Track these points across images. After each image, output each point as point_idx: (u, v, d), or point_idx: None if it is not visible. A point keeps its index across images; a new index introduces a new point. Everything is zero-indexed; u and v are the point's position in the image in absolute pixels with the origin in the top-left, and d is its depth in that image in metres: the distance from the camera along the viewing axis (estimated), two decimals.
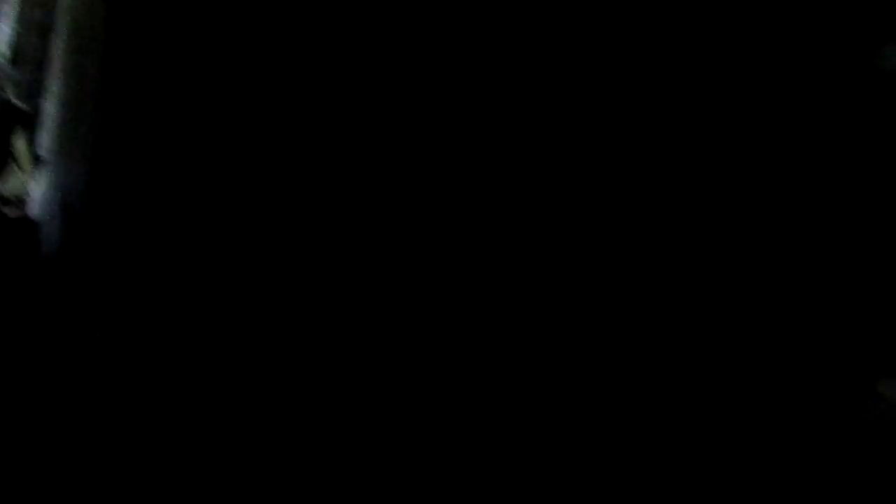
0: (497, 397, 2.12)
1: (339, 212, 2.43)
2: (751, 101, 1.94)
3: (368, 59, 2.31)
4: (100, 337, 2.71)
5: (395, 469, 2.13)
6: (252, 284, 2.60)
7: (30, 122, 3.27)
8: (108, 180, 2.74)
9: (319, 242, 2.47)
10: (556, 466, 2.07)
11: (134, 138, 2.68)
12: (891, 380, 1.83)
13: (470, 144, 2.22)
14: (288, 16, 2.43)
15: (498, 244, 2.19)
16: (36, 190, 3.13)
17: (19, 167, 3.25)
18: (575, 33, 2.05)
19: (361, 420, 2.23)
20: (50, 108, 3.02)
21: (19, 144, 3.30)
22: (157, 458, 2.38)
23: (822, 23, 1.86)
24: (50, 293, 2.84)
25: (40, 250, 2.92)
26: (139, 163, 2.68)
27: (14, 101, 2.80)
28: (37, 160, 3.14)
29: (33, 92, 3.49)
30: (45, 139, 3.06)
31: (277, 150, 2.49)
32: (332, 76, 2.38)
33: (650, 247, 2.02)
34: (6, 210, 3.17)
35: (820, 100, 1.89)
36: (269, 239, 2.57)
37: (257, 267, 2.60)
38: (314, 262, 2.48)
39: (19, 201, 3.23)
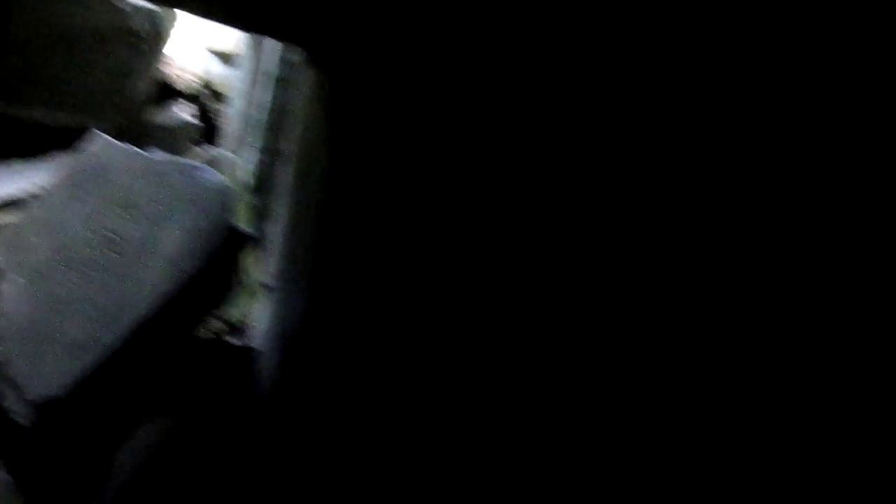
0: None
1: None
2: None
3: None
4: (311, 476, 2.51)
5: None
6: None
7: (258, 248, 3.26)
8: (328, 313, 2.55)
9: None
10: None
11: (356, 270, 2.48)
12: None
13: None
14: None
15: None
16: (259, 317, 3.05)
17: (246, 293, 3.22)
18: None
19: None
20: (275, 233, 2.97)
21: (246, 270, 3.28)
22: None
23: None
24: (264, 427, 2.67)
25: (258, 381, 2.79)
26: (361, 298, 2.46)
27: (242, 227, 2.74)
28: (263, 286, 3.09)
29: (263, 217, 3.50)
30: (270, 265, 3.00)
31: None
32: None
33: None
34: (230, 338, 3.11)
35: None
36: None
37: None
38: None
39: (244, 328, 3.17)
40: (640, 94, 1.97)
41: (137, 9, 3.67)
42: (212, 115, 4.46)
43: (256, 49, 3.91)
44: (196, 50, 4.72)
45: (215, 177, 2.79)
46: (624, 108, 2.00)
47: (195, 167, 2.80)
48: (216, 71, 4.66)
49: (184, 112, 4.32)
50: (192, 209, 2.68)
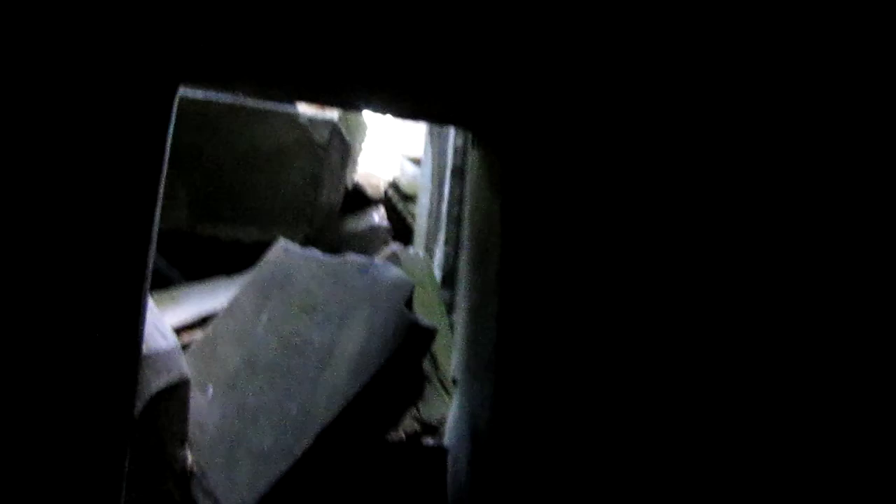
0: None
1: None
2: None
3: None
4: None
5: None
6: None
7: (452, 342, 3.16)
8: (514, 405, 2.36)
9: None
10: None
11: (540, 358, 2.29)
12: None
13: None
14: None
15: None
16: (449, 414, 2.92)
17: (440, 389, 3.11)
18: None
19: None
20: (458, 325, 2.85)
21: (440, 366, 3.18)
22: None
23: None
24: None
25: (450, 483, 2.63)
26: (547, 388, 2.26)
27: (423, 322, 2.64)
28: (453, 381, 2.96)
29: (454, 310, 3.41)
30: (455, 358, 2.87)
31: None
32: None
33: None
34: (425, 438, 2.99)
35: None
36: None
37: None
38: None
39: (439, 427, 3.04)
40: None
41: (319, 122, 3.84)
42: (403, 215, 4.53)
43: (436, 144, 3.95)
44: (384, 154, 4.87)
45: (392, 273, 2.75)
46: None
47: (372, 265, 2.78)
48: (404, 172, 4.76)
49: (375, 215, 4.42)
50: (371, 307, 2.64)
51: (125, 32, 1.83)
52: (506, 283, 2.41)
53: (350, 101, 2.58)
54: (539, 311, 2.27)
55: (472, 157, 2.79)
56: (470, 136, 2.71)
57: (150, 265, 2.04)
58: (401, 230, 4.46)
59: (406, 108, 2.59)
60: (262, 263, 2.92)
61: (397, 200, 4.57)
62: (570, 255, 2.20)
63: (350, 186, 4.33)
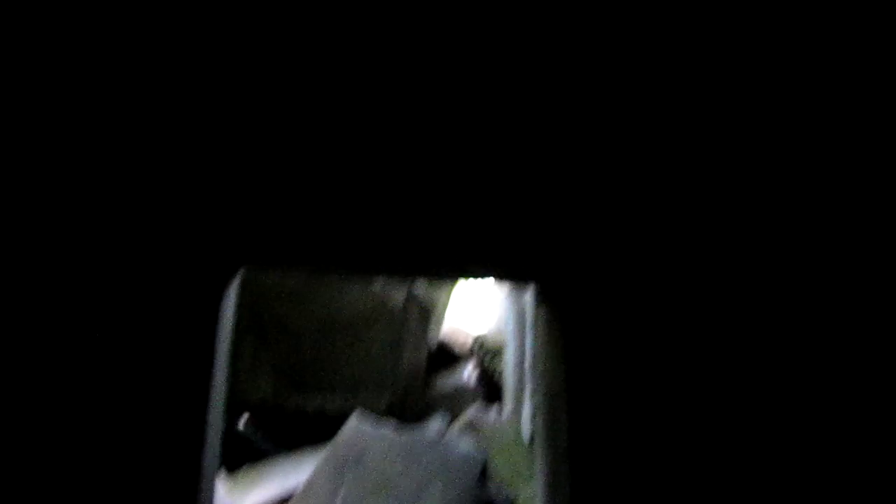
0: None
1: None
2: None
3: None
4: None
5: None
6: None
7: None
8: None
9: None
10: None
11: None
12: None
13: None
14: None
15: None
16: None
17: None
18: None
19: None
20: (537, 493, 2.71)
21: None
22: None
23: None
24: None
25: None
26: None
27: (499, 496, 2.54)
28: None
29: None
30: None
31: None
32: None
33: None
34: None
35: None
36: None
37: None
38: None
39: None
40: None
41: (394, 289, 3.88)
42: (491, 371, 4.45)
43: (515, 297, 3.91)
44: (468, 312, 4.86)
45: (464, 446, 2.68)
46: None
47: (445, 441, 2.72)
48: (490, 328, 4.72)
49: (463, 373, 4.35)
50: (444, 484, 2.56)
51: (187, 223, 1.94)
52: (577, 456, 2.29)
53: (407, 273, 2.61)
54: (612, 485, 2.15)
55: (537, 314, 2.73)
56: (533, 291, 2.66)
57: (211, 457, 2.04)
58: (490, 386, 4.36)
59: (461, 273, 2.59)
60: (336, 441, 2.90)
61: (485, 356, 4.51)
62: (642, 422, 2.10)
63: (434, 346, 4.31)
